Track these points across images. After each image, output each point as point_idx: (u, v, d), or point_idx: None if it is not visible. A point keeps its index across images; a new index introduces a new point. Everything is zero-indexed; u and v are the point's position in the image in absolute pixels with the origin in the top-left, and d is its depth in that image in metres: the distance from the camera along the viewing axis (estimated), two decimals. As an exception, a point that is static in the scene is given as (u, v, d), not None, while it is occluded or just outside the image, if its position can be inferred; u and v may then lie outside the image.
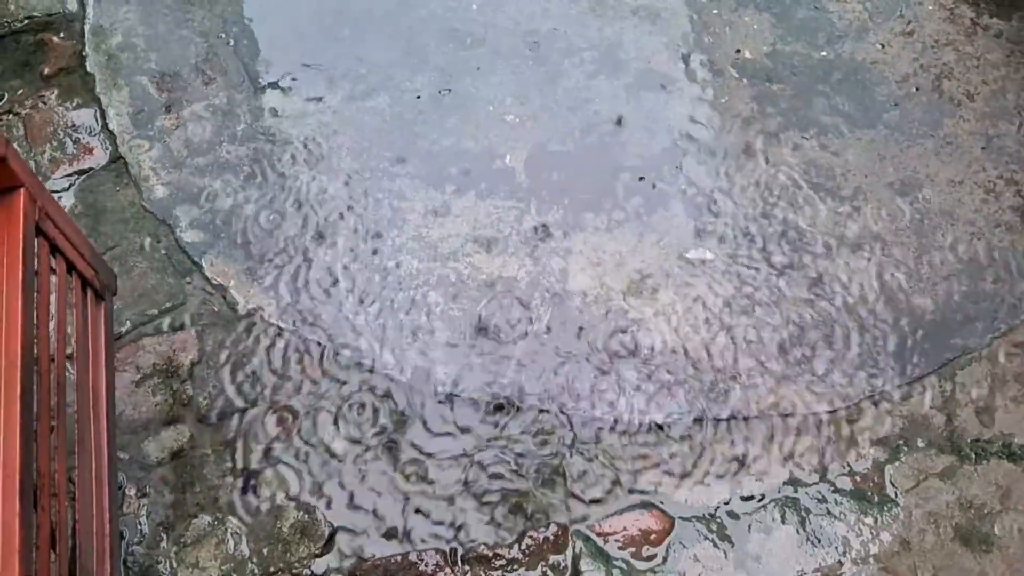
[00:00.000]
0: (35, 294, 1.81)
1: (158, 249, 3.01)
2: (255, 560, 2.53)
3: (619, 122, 3.09)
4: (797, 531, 2.61)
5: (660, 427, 2.75)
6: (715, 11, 3.58)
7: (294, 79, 3.38)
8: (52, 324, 2.00)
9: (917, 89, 3.41)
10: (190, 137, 3.22)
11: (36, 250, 1.87)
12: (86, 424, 2.12)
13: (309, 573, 2.52)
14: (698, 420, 2.76)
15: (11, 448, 1.61)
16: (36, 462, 1.72)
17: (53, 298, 2.01)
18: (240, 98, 3.32)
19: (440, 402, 2.77)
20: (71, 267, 2.10)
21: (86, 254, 2.18)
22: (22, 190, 1.77)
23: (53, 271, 2.02)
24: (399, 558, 2.55)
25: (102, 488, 2.13)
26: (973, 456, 2.73)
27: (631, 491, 2.66)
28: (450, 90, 3.37)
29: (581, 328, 2.90)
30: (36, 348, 1.77)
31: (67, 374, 2.28)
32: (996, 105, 3.37)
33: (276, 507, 2.60)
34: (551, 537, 2.59)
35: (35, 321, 1.80)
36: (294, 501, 2.61)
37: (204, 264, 2.99)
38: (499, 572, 2.54)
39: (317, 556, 2.54)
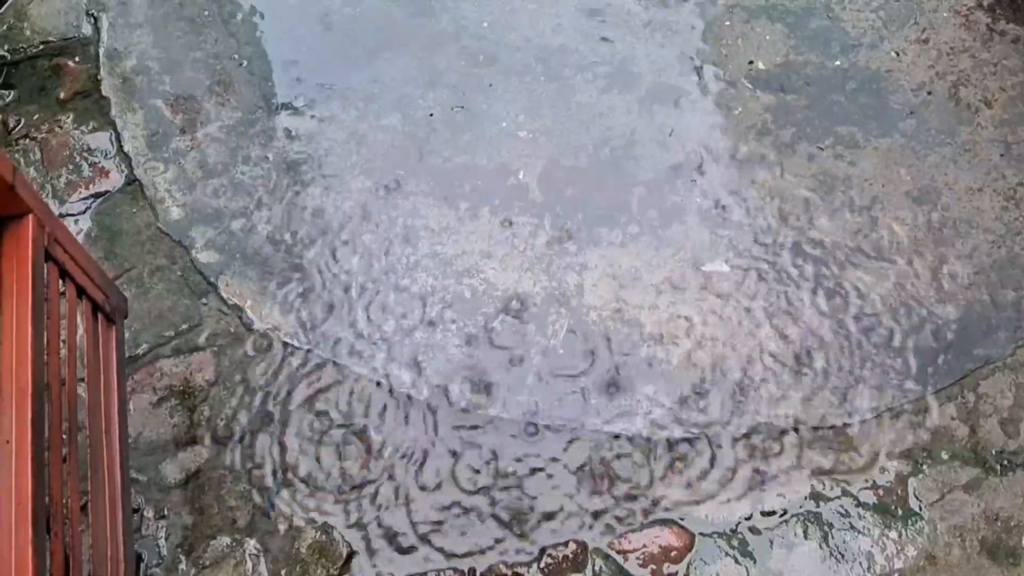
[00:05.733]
0: (45, 319, 1.81)
1: (174, 270, 3.02)
2: (273, 582, 2.53)
3: None
4: (820, 546, 2.58)
5: (679, 442, 2.72)
6: (727, 23, 3.56)
7: (307, 99, 3.38)
8: (64, 349, 2.00)
9: (931, 94, 3.37)
10: (205, 159, 3.24)
11: (46, 275, 1.87)
12: (99, 448, 2.12)
13: (327, 594, 2.52)
14: (718, 434, 2.73)
15: (23, 475, 1.61)
16: (48, 488, 1.71)
17: (64, 323, 2.01)
18: (254, 119, 3.33)
19: (457, 419, 2.76)
20: (81, 291, 2.10)
21: (96, 278, 2.18)
22: (31, 216, 1.77)
23: (63, 296, 2.02)
24: (417, 578, 2.54)
25: (116, 512, 2.13)
26: (998, 468, 2.69)
27: (651, 507, 2.63)
28: (463, 107, 3.37)
29: (597, 343, 2.88)
30: (47, 374, 1.77)
31: (80, 398, 2.28)
32: (1014, 111, 3.33)
33: (294, 528, 2.59)
34: (570, 555, 2.56)
35: (46, 347, 1.80)
36: (312, 522, 2.60)
37: (220, 285, 2.99)
38: (518, 591, 2.53)
39: (335, 577, 2.53)
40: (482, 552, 2.56)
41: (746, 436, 2.73)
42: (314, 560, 2.55)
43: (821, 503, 2.64)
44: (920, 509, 2.63)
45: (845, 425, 2.75)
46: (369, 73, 3.45)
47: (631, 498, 2.64)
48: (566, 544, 2.58)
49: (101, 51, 3.48)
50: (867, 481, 2.67)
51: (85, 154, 3.24)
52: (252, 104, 3.37)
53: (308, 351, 2.87)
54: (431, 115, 3.35)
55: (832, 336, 2.89)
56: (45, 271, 1.87)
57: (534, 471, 2.68)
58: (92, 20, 3.56)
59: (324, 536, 2.58)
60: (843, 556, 2.56)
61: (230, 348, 2.88)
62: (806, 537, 2.59)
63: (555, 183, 3.20)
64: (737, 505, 2.64)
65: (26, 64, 3.44)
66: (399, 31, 3.56)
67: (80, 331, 2.29)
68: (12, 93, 3.37)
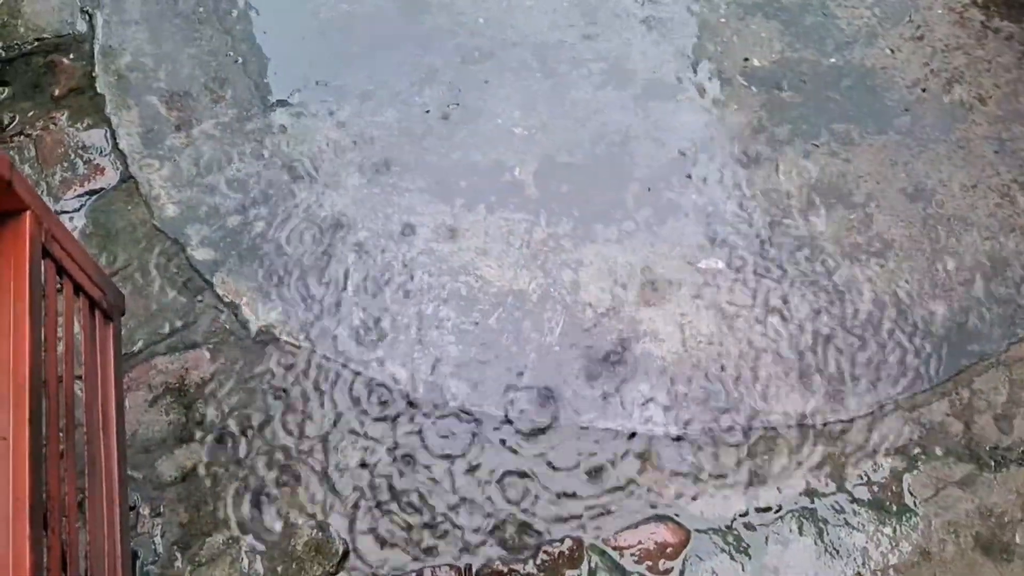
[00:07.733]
0: (43, 316, 1.81)
1: (169, 268, 3.01)
2: (269, 579, 2.53)
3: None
4: (815, 542, 2.58)
5: (675, 438, 2.73)
6: (722, 20, 3.57)
7: (302, 96, 3.38)
8: (61, 346, 2.00)
9: (925, 91, 3.38)
10: (200, 156, 3.23)
11: (43, 272, 1.87)
12: (96, 445, 2.12)
13: (323, 591, 2.52)
14: (713, 431, 2.74)
15: (20, 470, 1.61)
16: (46, 484, 1.71)
17: (61, 320, 2.01)
18: (249, 116, 3.33)
19: (453, 416, 2.76)
20: (78, 288, 2.10)
21: (93, 275, 2.18)
22: (28, 213, 1.77)
23: (60, 292, 2.02)
24: (413, 574, 2.53)
25: (113, 508, 2.13)
26: (992, 464, 2.70)
27: (647, 503, 2.63)
28: (458, 104, 3.37)
29: (593, 340, 2.88)
30: (44, 370, 1.77)
31: (76, 395, 2.28)
32: (1008, 108, 3.34)
33: (290, 525, 2.59)
34: (566, 552, 2.57)
35: (43, 343, 1.80)
36: (308, 519, 2.60)
37: (215, 282, 2.99)
38: (514, 588, 2.53)
39: (332, 574, 2.53)
40: (479, 547, 2.57)
41: (741, 432, 2.74)
42: (310, 557, 2.55)
43: (816, 499, 2.64)
44: (914, 505, 2.64)
45: (840, 421, 2.76)
46: (365, 70, 3.45)
47: (627, 494, 2.64)
48: (562, 540, 2.58)
49: (96, 48, 3.48)
50: (862, 477, 2.68)
51: (80, 151, 3.24)
52: (247, 101, 3.37)
53: (303, 348, 2.87)
54: (427, 112, 3.35)
55: (827, 333, 2.90)
56: (42, 268, 1.87)
57: (529, 468, 2.68)
58: (87, 17, 3.55)
59: (320, 533, 2.58)
60: (838, 552, 2.57)
61: (226, 345, 2.88)
62: (801, 533, 2.59)
63: (550, 180, 3.20)
64: (732, 501, 2.65)
65: (20, 61, 3.43)
66: (395, 28, 3.56)
67: (77, 328, 2.28)
68: (7, 90, 3.36)
